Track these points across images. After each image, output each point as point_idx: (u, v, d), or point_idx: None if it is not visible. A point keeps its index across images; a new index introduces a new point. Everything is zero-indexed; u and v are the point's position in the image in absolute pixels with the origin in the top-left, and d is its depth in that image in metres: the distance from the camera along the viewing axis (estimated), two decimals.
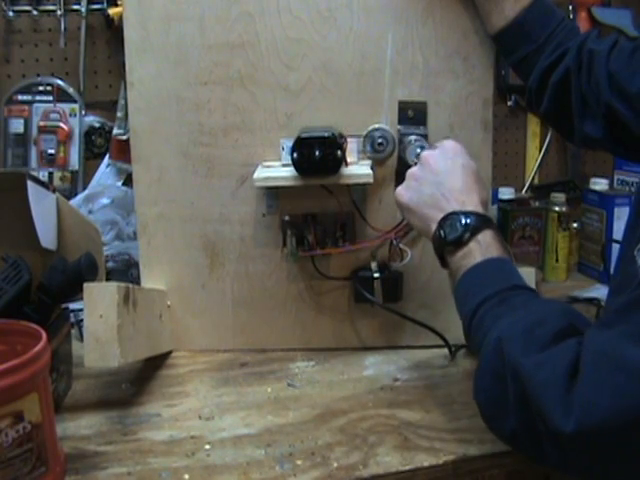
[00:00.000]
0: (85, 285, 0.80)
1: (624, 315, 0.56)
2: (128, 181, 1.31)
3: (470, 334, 0.69)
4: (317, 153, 0.84)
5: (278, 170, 0.91)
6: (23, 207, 0.88)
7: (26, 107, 1.33)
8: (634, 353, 0.52)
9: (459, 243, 0.71)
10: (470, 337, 0.70)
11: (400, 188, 0.79)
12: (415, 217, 0.78)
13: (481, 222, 0.72)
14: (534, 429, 0.58)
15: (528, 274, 0.85)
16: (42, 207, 0.91)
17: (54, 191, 0.96)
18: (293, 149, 0.85)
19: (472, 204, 0.74)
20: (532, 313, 0.64)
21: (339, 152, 0.85)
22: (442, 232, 0.72)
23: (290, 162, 0.86)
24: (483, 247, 0.70)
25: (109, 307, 0.79)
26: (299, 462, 0.72)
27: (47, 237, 0.91)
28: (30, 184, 0.88)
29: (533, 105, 0.88)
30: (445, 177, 0.76)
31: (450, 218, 0.72)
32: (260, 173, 0.89)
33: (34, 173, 1.32)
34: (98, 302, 0.79)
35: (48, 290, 0.82)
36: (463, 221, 0.71)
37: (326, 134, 0.84)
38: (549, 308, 0.65)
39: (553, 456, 0.58)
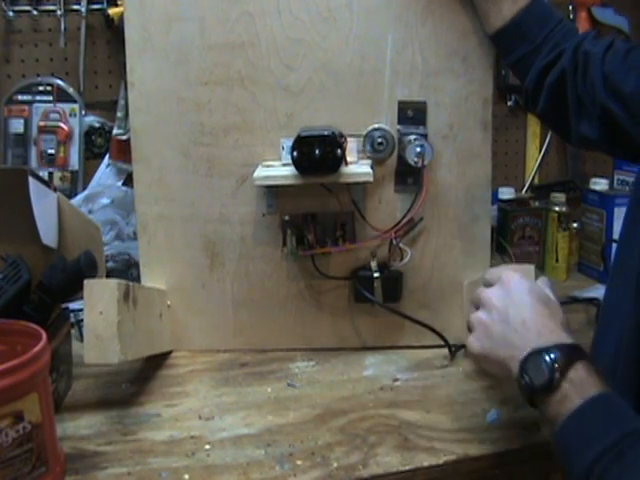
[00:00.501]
0: (85, 282, 0.80)
1: None
2: (128, 181, 1.31)
3: None
4: (317, 152, 0.84)
5: (278, 169, 0.91)
6: (24, 204, 0.88)
7: (26, 107, 1.33)
8: None
9: (550, 388, 0.60)
10: None
11: (470, 338, 0.70)
12: (493, 364, 0.68)
13: (568, 354, 0.61)
14: None
15: (528, 270, 0.85)
16: (43, 204, 0.91)
17: (55, 190, 0.97)
18: (293, 148, 0.85)
19: (550, 331, 0.64)
20: None
21: (339, 151, 0.85)
22: (527, 377, 0.62)
23: (290, 162, 0.86)
24: (578, 386, 0.60)
25: (109, 303, 0.79)
26: (299, 462, 0.72)
27: (48, 234, 0.91)
28: (32, 181, 0.88)
29: (530, 105, 0.89)
30: (513, 311, 0.67)
31: (532, 359, 0.62)
32: (260, 172, 0.89)
33: None
34: (98, 298, 0.79)
35: (48, 289, 0.82)
36: (547, 359, 0.61)
37: (326, 133, 0.85)
38: None
39: None
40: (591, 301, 1.17)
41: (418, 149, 0.90)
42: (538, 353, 0.62)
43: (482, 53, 0.93)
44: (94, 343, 0.78)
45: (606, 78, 0.76)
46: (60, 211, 0.95)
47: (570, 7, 1.41)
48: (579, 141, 0.84)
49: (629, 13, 1.32)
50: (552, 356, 0.61)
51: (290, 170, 0.87)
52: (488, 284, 0.72)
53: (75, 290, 0.82)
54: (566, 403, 0.59)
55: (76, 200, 1.28)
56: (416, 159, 0.90)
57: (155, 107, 0.94)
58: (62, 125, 1.33)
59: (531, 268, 0.85)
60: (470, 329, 0.71)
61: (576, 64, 0.81)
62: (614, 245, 1.18)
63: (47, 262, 0.86)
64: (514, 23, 0.84)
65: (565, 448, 0.60)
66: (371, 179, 0.88)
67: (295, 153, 0.85)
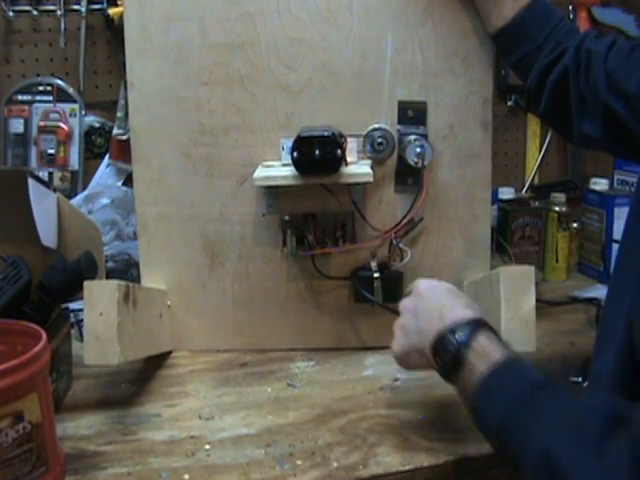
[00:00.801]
0: (85, 283, 0.80)
1: None
2: (128, 181, 1.31)
3: (501, 452, 0.63)
4: (317, 152, 0.84)
5: (278, 169, 0.91)
6: (24, 205, 0.88)
7: (26, 107, 1.33)
8: None
9: (458, 363, 0.65)
10: (501, 454, 0.63)
11: (392, 346, 0.76)
12: (415, 359, 0.73)
13: (469, 329, 0.66)
14: None
15: (528, 272, 0.85)
16: (43, 205, 0.91)
17: (55, 191, 0.97)
18: (293, 148, 0.85)
19: (450, 311, 0.70)
20: (567, 414, 0.57)
21: (339, 151, 0.85)
22: (438, 359, 0.68)
23: (290, 162, 0.86)
24: (482, 355, 0.64)
25: (109, 305, 0.79)
26: (299, 462, 0.72)
27: (47, 235, 0.91)
28: (31, 182, 0.88)
29: (532, 105, 0.89)
30: (421, 307, 0.73)
31: (438, 342, 0.68)
32: (260, 172, 0.89)
33: None
34: (98, 300, 0.79)
35: (48, 289, 0.82)
36: (452, 338, 0.66)
37: (326, 133, 0.85)
38: (582, 404, 0.58)
39: None
40: (591, 301, 1.17)
41: (418, 149, 0.90)
42: (442, 335, 0.67)
43: (482, 53, 0.93)
44: (94, 344, 0.78)
45: (609, 77, 0.76)
46: (60, 212, 0.95)
47: (570, 7, 1.41)
48: (581, 140, 0.84)
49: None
50: (454, 334, 0.66)
51: (290, 170, 0.87)
52: (407, 294, 0.78)
53: (75, 290, 0.82)
54: (473, 371, 0.64)
55: (76, 200, 1.27)
56: (416, 159, 0.90)
57: (155, 107, 0.94)
58: (62, 125, 1.33)
59: (531, 269, 0.85)
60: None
61: (578, 62, 0.81)
62: (614, 245, 1.18)
63: (47, 263, 0.86)
64: (515, 22, 0.84)
65: (477, 412, 0.64)
66: (371, 179, 0.88)
67: (295, 153, 0.85)
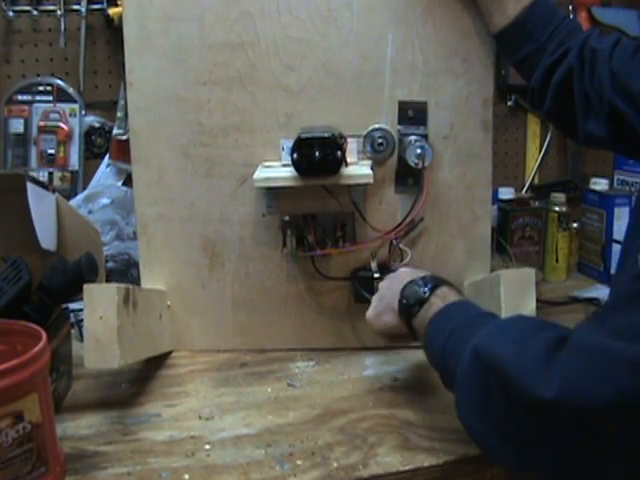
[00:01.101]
0: (85, 286, 0.80)
1: (615, 312, 0.57)
2: (128, 181, 1.31)
3: (445, 372, 0.70)
4: (317, 154, 0.84)
5: (278, 170, 0.91)
6: (23, 208, 0.88)
7: (26, 107, 1.33)
8: (621, 346, 0.52)
9: (422, 301, 0.74)
10: (445, 375, 0.70)
11: (367, 316, 0.85)
12: (385, 315, 0.81)
13: (436, 280, 0.77)
14: (517, 417, 0.58)
15: (528, 274, 0.85)
16: (41, 208, 0.91)
17: (54, 192, 0.96)
18: (293, 150, 0.85)
19: (422, 273, 0.80)
20: (503, 323, 0.66)
21: (339, 153, 0.85)
22: (404, 300, 0.77)
23: (290, 162, 0.86)
24: (442, 297, 0.74)
25: (109, 308, 0.79)
26: (299, 462, 0.72)
27: (47, 238, 0.91)
28: (30, 186, 0.88)
29: (536, 104, 0.88)
30: (393, 279, 0.83)
31: (408, 287, 0.77)
32: (260, 173, 0.89)
33: (34, 173, 1.33)
34: (98, 303, 0.79)
35: (48, 290, 0.82)
36: (420, 283, 0.76)
37: (326, 135, 0.84)
38: (519, 317, 0.67)
39: (531, 439, 0.58)
40: (591, 301, 1.17)
41: (418, 150, 0.90)
42: (411, 282, 0.77)
43: (482, 53, 0.93)
44: (94, 347, 0.78)
45: (614, 75, 0.75)
46: (59, 213, 0.95)
47: (570, 7, 1.41)
48: (586, 139, 0.83)
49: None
50: (422, 281, 0.77)
51: (290, 171, 0.86)
52: None
53: (75, 292, 0.82)
54: (432, 308, 0.73)
55: (76, 200, 1.27)
56: (416, 160, 0.90)
57: (154, 107, 0.94)
58: (62, 125, 1.33)
59: (531, 272, 0.85)
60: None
61: (583, 61, 0.80)
62: (614, 245, 1.18)
63: (46, 265, 0.86)
64: (518, 22, 0.84)
65: (429, 342, 0.72)
66: (371, 180, 0.88)
67: (295, 155, 0.84)
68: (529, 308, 0.84)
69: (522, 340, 0.60)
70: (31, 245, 0.89)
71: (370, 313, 0.84)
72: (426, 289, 0.75)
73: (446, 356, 0.68)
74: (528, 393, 0.55)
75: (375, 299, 0.85)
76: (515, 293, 0.84)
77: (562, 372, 0.54)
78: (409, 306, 0.75)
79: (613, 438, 0.55)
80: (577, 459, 0.57)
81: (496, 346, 0.61)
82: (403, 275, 0.82)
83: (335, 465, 0.72)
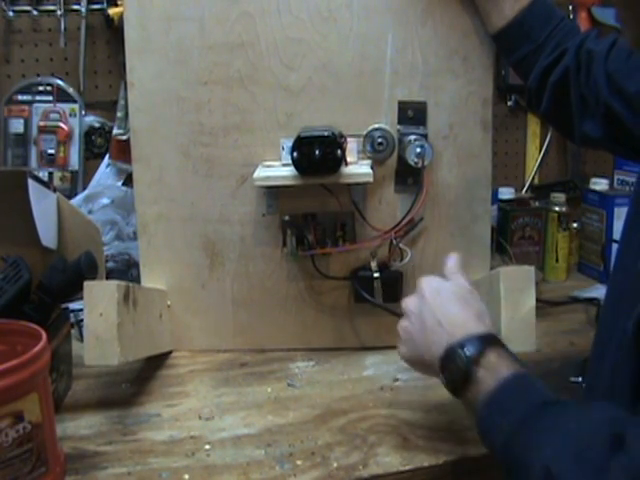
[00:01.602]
0: (85, 283, 0.80)
1: None
2: (128, 181, 1.31)
3: (507, 469, 0.61)
4: (317, 152, 0.84)
5: (278, 170, 0.91)
6: (24, 206, 0.88)
7: (26, 107, 1.33)
8: None
9: (467, 379, 0.64)
10: (508, 471, 0.61)
11: (398, 346, 0.75)
12: (423, 367, 0.72)
13: (480, 345, 0.64)
14: None
15: (528, 272, 0.85)
16: (43, 206, 0.91)
17: (55, 191, 0.96)
18: (293, 148, 0.85)
19: (461, 325, 0.67)
20: (572, 435, 0.55)
21: (339, 151, 0.85)
22: (447, 374, 0.66)
23: (290, 162, 0.86)
24: (492, 371, 0.63)
25: (109, 305, 0.79)
26: (299, 462, 0.72)
27: (47, 236, 0.91)
28: (31, 183, 0.88)
29: (533, 105, 0.89)
30: (427, 314, 0.71)
31: (447, 357, 0.66)
32: (260, 173, 0.89)
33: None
34: (98, 300, 0.79)
35: (48, 289, 0.82)
36: (462, 355, 0.64)
37: (326, 133, 0.85)
38: (585, 421, 0.57)
39: None
40: (591, 301, 1.17)
41: (418, 149, 0.90)
42: (452, 350, 0.65)
43: (482, 53, 0.93)
44: (94, 344, 0.78)
45: (610, 77, 0.76)
46: (60, 212, 0.95)
47: (570, 7, 1.41)
48: (582, 140, 0.84)
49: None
50: (464, 350, 0.64)
51: (290, 170, 0.87)
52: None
53: (75, 291, 0.82)
54: (482, 388, 0.62)
55: (76, 200, 1.27)
56: (416, 159, 0.90)
57: (155, 107, 0.94)
58: (62, 125, 1.33)
59: (531, 269, 0.85)
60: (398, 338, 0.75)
61: (579, 63, 0.80)
62: (614, 245, 1.18)
63: (47, 263, 0.86)
64: (516, 22, 0.84)
65: (485, 429, 0.62)
66: (371, 179, 0.88)
67: (295, 154, 0.85)
68: (529, 305, 0.84)
69: (602, 474, 0.51)
70: (32, 242, 0.88)
71: (404, 355, 0.74)
72: (470, 362, 0.63)
73: (508, 458, 0.59)
74: None
75: (405, 335, 0.73)
76: (515, 290, 0.84)
77: None
78: (455, 385, 0.65)
79: None
80: None
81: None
82: (432, 317, 0.70)
83: (335, 465, 0.72)
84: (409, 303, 0.74)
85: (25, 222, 0.88)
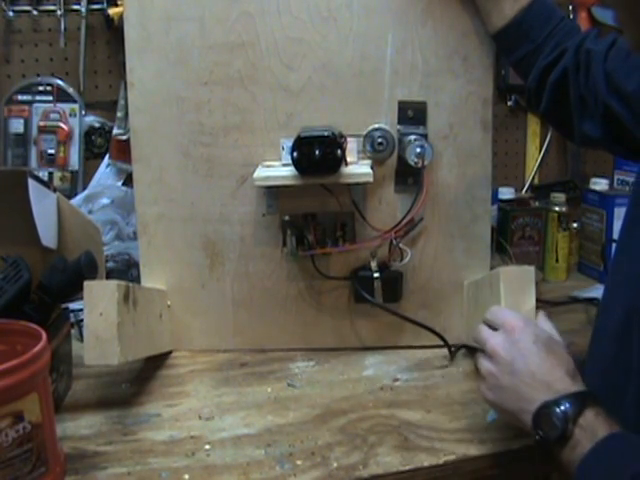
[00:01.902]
0: (85, 283, 0.80)
1: None
2: (128, 181, 1.31)
3: None
4: (317, 152, 0.84)
5: (278, 170, 0.91)
6: (24, 205, 0.88)
7: (26, 107, 1.33)
8: None
9: (563, 438, 0.62)
10: None
11: (482, 388, 0.71)
12: (507, 415, 0.69)
13: (578, 404, 0.62)
14: None
15: (528, 272, 0.85)
16: (43, 206, 0.91)
17: (55, 191, 0.96)
18: (293, 148, 0.85)
19: (558, 382, 0.65)
20: None
21: (339, 151, 0.85)
22: (540, 432, 0.63)
23: (290, 162, 0.86)
24: (589, 432, 0.61)
25: (109, 305, 0.79)
26: (299, 462, 0.72)
27: (47, 235, 0.91)
28: (31, 182, 0.88)
29: (532, 104, 0.89)
30: (519, 363, 0.67)
31: (543, 413, 0.63)
32: (260, 173, 0.89)
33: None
34: (98, 300, 0.79)
35: (48, 289, 0.82)
36: (558, 412, 0.62)
37: (326, 133, 0.84)
38: None
39: None
40: (591, 301, 1.17)
41: (418, 150, 0.90)
42: (548, 407, 0.63)
43: (482, 53, 0.93)
44: (94, 344, 0.78)
45: (608, 76, 0.76)
46: (60, 211, 0.95)
47: (570, 7, 1.41)
48: (582, 140, 0.84)
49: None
50: (562, 408, 0.62)
51: (290, 170, 0.86)
52: (491, 326, 0.72)
53: (75, 290, 0.82)
54: (578, 449, 0.60)
55: (76, 200, 1.27)
56: (416, 159, 0.90)
57: (155, 107, 0.94)
58: (62, 125, 1.33)
59: (531, 269, 0.85)
60: (481, 377, 0.71)
61: (578, 63, 0.81)
62: (614, 245, 1.18)
63: (47, 263, 0.86)
64: (516, 22, 0.84)
65: None
66: (371, 179, 0.88)
67: (295, 154, 0.85)
68: (529, 306, 0.84)
69: None
70: (32, 242, 0.89)
71: (490, 399, 0.70)
72: (567, 421, 0.61)
73: None
74: None
75: (491, 379, 0.69)
76: (515, 290, 0.84)
77: None
78: (548, 443, 0.63)
79: None
80: None
81: None
82: (529, 363, 0.66)
83: (335, 465, 0.72)
84: (498, 346, 0.69)
85: (25, 222, 0.88)
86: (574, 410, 0.62)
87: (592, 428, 0.61)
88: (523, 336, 0.68)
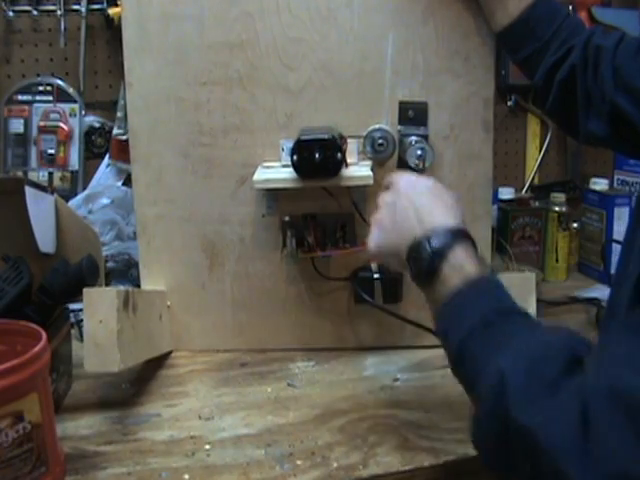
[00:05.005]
0: (85, 290, 0.79)
1: (621, 344, 0.51)
2: (128, 181, 1.31)
3: (460, 370, 0.62)
4: (317, 156, 0.83)
5: (278, 171, 0.90)
6: (22, 211, 0.87)
7: (26, 107, 1.33)
8: None
9: (432, 273, 0.63)
10: (460, 373, 0.62)
11: (369, 241, 0.74)
12: (389, 256, 0.72)
13: (447, 239, 0.63)
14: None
15: (529, 279, 0.84)
16: (40, 212, 0.90)
17: (53, 192, 0.96)
18: (293, 152, 0.84)
19: (431, 216, 0.67)
20: (531, 348, 0.56)
21: (339, 154, 0.84)
22: (413, 268, 0.65)
23: (290, 163, 0.85)
24: (458, 269, 0.62)
25: (109, 312, 0.78)
26: (299, 462, 0.72)
27: (45, 242, 0.90)
28: (28, 190, 0.87)
29: (539, 102, 0.88)
30: (399, 204, 0.70)
31: (415, 247, 0.65)
32: (260, 175, 0.89)
33: (34, 173, 1.33)
34: (98, 307, 0.78)
35: (49, 292, 0.82)
36: (427, 247, 0.63)
37: (326, 136, 0.84)
38: (547, 338, 0.58)
39: None
40: (591, 301, 1.17)
41: (419, 152, 0.90)
42: (420, 241, 0.64)
43: (483, 53, 0.93)
44: (94, 352, 0.78)
45: (616, 72, 0.75)
46: (58, 213, 0.94)
47: (570, 7, 1.40)
48: (587, 139, 0.83)
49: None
50: (432, 242, 0.63)
51: (290, 172, 0.86)
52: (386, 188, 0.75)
53: (76, 294, 0.81)
54: (446, 285, 0.62)
55: (76, 200, 1.27)
56: (417, 161, 0.90)
57: (153, 107, 0.94)
58: (62, 125, 1.33)
59: (531, 276, 0.85)
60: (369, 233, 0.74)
61: (586, 59, 0.80)
62: (614, 245, 1.18)
63: (46, 268, 0.85)
64: (521, 20, 0.83)
65: (443, 327, 0.63)
66: (372, 182, 0.88)
67: (295, 157, 0.84)
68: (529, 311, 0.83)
69: (551, 390, 0.51)
70: (30, 248, 0.88)
71: (372, 247, 0.72)
72: (435, 256, 0.62)
73: (463, 357, 0.60)
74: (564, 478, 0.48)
75: (376, 228, 0.72)
76: (515, 297, 0.84)
77: (600, 453, 0.46)
78: (419, 277, 0.65)
79: None
80: None
81: (525, 396, 0.52)
82: (404, 207, 0.69)
83: (335, 465, 0.72)
84: (384, 196, 0.73)
85: (23, 229, 0.87)
86: (443, 245, 0.63)
87: (461, 266, 0.62)
88: (405, 183, 0.72)
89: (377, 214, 0.73)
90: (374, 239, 0.73)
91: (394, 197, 0.71)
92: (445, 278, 0.62)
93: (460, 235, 0.64)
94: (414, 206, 0.68)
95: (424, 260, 0.63)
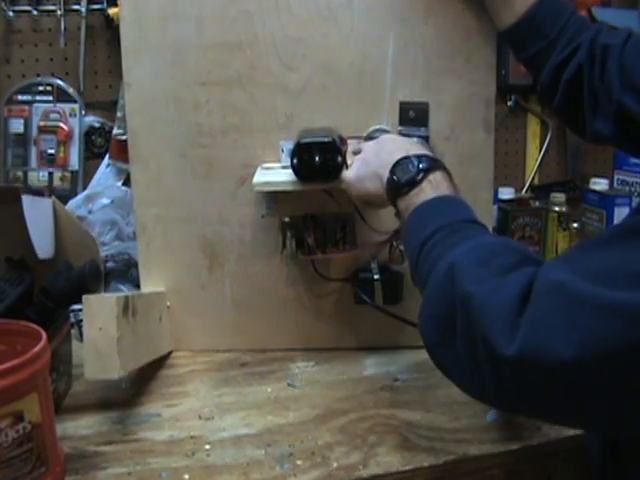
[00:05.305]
0: (84, 297, 0.78)
1: (585, 252, 0.54)
2: (128, 181, 1.31)
3: (417, 268, 0.66)
4: (317, 159, 0.83)
5: (277, 174, 0.90)
6: (19, 220, 0.86)
7: (26, 107, 1.33)
8: (591, 289, 0.48)
9: (412, 183, 0.70)
10: (417, 270, 0.67)
11: (346, 173, 0.83)
12: (367, 181, 0.79)
13: (432, 163, 0.72)
14: (477, 359, 0.54)
15: None
16: (38, 217, 0.89)
17: (50, 195, 0.96)
18: (292, 155, 0.84)
19: (418, 150, 0.75)
20: (486, 245, 0.62)
21: (339, 157, 0.83)
22: (395, 177, 0.72)
23: (289, 164, 0.85)
24: (434, 185, 0.70)
25: (109, 320, 0.77)
26: (299, 462, 0.72)
27: (43, 248, 0.89)
28: (25, 198, 0.87)
29: (545, 101, 0.88)
30: (382, 149, 0.78)
31: (402, 163, 0.73)
32: (259, 177, 0.89)
33: (34, 173, 1.33)
34: (98, 314, 0.77)
35: (51, 294, 0.81)
36: (415, 163, 0.72)
37: (326, 139, 0.83)
38: (503, 241, 0.64)
39: (491, 387, 0.54)
40: None
41: None
42: (407, 158, 0.73)
43: (484, 53, 0.92)
44: (94, 359, 0.77)
45: (623, 69, 0.75)
46: (56, 216, 0.94)
47: None
48: (594, 138, 0.83)
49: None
50: (417, 160, 0.72)
51: (290, 174, 0.86)
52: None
53: (77, 298, 0.80)
54: (421, 195, 0.70)
55: (76, 200, 1.27)
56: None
57: (152, 108, 0.94)
58: (62, 125, 1.33)
59: None
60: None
61: (593, 58, 0.79)
62: None
63: (45, 274, 0.84)
64: (527, 18, 0.83)
65: (409, 231, 0.70)
66: None
67: (295, 161, 0.84)
68: None
69: (499, 276, 0.55)
70: (29, 255, 0.87)
71: (351, 175, 0.81)
72: (420, 171, 0.71)
73: (422, 255, 0.65)
74: (491, 344, 0.52)
75: (357, 162, 0.81)
76: None
77: (528, 326, 0.50)
78: (398, 185, 0.72)
79: (582, 395, 0.50)
80: (551, 411, 0.54)
81: (472, 276, 0.57)
82: (392, 144, 0.78)
83: (335, 465, 0.72)
84: (368, 142, 0.83)
85: (25, 237, 0.86)
86: (427, 165, 0.71)
87: (438, 184, 0.70)
88: (387, 137, 0.83)
89: (360, 155, 0.82)
90: (354, 170, 0.81)
91: (376, 145, 0.80)
92: (421, 190, 0.70)
93: (442, 165, 0.73)
94: (400, 141, 0.79)
95: (410, 172, 0.71)
